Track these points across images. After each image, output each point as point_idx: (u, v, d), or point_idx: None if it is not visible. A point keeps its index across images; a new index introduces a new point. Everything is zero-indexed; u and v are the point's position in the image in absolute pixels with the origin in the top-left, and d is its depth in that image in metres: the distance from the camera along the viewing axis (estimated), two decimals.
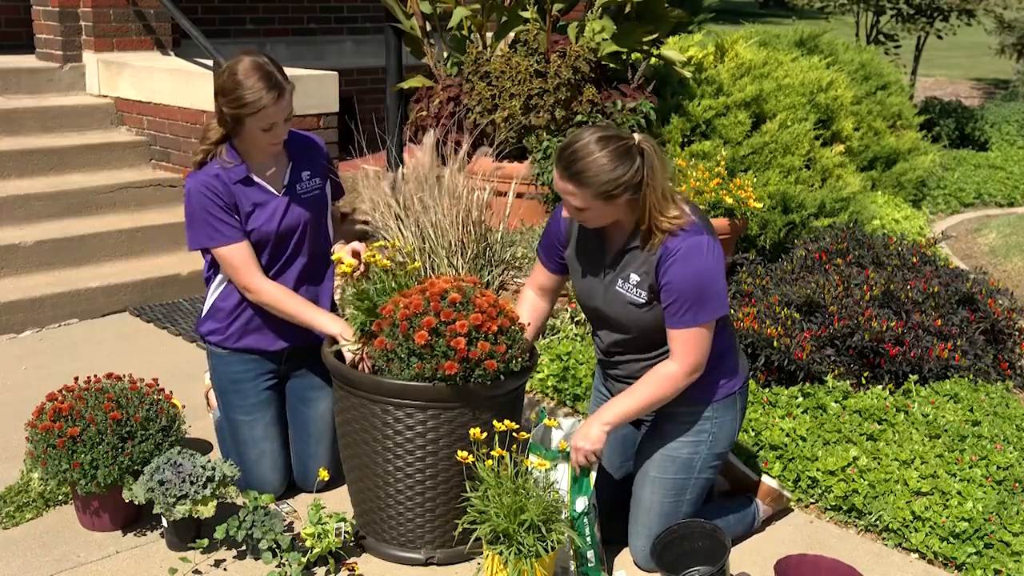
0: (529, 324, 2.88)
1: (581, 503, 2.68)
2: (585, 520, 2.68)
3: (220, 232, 2.90)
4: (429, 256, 4.16)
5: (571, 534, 2.59)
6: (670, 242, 2.58)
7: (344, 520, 2.78)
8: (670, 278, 2.57)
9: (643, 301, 2.65)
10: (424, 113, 5.48)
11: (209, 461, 2.84)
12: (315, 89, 5.18)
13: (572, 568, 2.72)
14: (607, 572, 2.82)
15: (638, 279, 2.64)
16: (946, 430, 3.38)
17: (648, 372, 2.68)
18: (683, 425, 2.77)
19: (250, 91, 2.76)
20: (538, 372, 3.98)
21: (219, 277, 3.05)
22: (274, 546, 2.76)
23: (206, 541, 2.80)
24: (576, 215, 2.61)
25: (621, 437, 2.95)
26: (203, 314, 3.11)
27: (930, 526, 2.99)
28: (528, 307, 2.97)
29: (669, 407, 2.75)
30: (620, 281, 2.68)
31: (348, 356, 2.79)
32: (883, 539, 3.07)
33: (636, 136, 2.55)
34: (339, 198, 3.27)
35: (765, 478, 3.11)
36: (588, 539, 2.69)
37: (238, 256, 2.92)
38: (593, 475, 2.67)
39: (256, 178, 2.97)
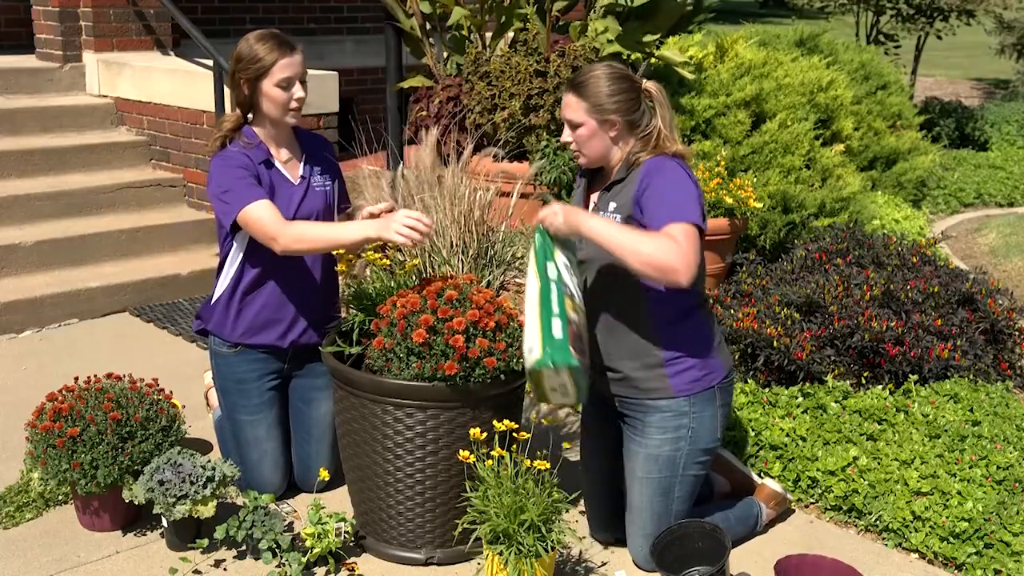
0: None
1: (551, 269, 2.57)
2: (552, 287, 2.53)
3: (251, 192, 2.86)
4: (429, 256, 4.15)
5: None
6: (647, 164, 2.65)
7: (344, 520, 2.78)
8: (647, 185, 2.61)
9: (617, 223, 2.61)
10: (424, 113, 5.48)
11: (209, 461, 2.84)
12: (315, 89, 5.13)
13: (537, 348, 2.47)
14: (576, 355, 2.52)
15: (616, 205, 2.70)
16: (946, 430, 3.38)
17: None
18: (662, 422, 2.74)
19: (264, 49, 2.88)
20: None
21: (230, 259, 3.02)
22: (274, 546, 2.76)
23: (206, 541, 2.81)
24: (571, 134, 2.72)
25: (615, 444, 2.95)
26: (211, 302, 3.08)
27: (930, 526, 2.99)
28: None
29: (649, 400, 2.74)
30: (601, 213, 2.72)
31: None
32: (883, 539, 3.07)
33: (648, 81, 2.75)
34: (343, 201, 3.26)
35: (768, 481, 3.11)
36: (556, 307, 2.51)
37: (265, 210, 2.84)
38: (557, 248, 2.60)
39: (275, 162, 2.99)
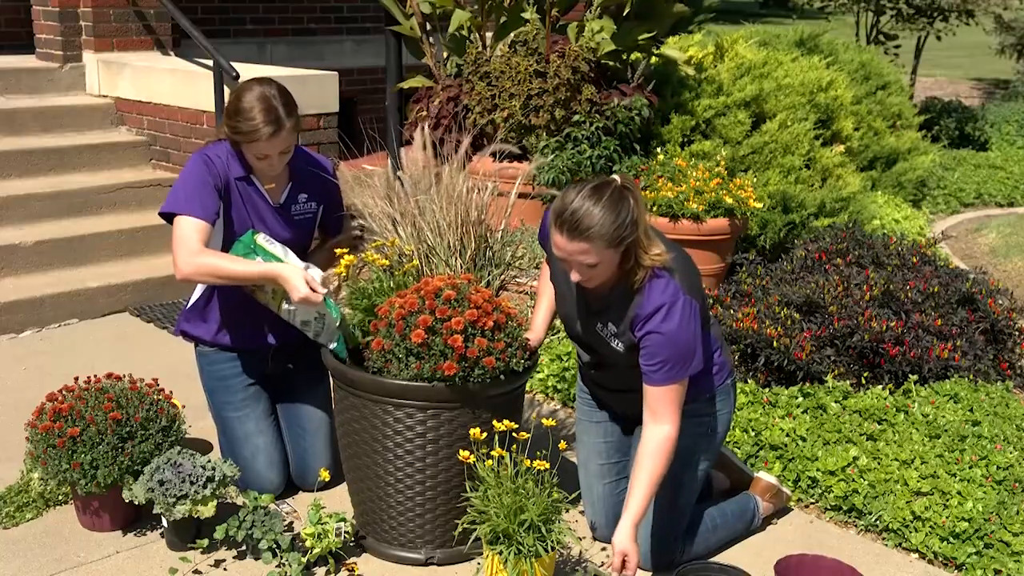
0: (544, 298, 2.98)
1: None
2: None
3: (196, 206, 2.83)
4: (427, 257, 4.15)
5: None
6: (646, 297, 2.54)
7: (344, 520, 2.78)
8: (646, 342, 2.56)
9: (622, 350, 2.66)
10: (424, 113, 5.48)
11: (209, 461, 2.84)
12: (315, 89, 5.18)
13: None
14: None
15: (616, 330, 2.64)
16: (946, 430, 3.38)
17: (644, 447, 2.59)
18: (684, 420, 2.75)
19: (248, 121, 2.79)
20: (538, 372, 3.98)
21: None
22: (274, 546, 2.76)
23: (206, 541, 2.81)
24: (586, 274, 2.52)
25: (616, 441, 2.95)
26: (189, 304, 3.14)
27: (930, 526, 2.99)
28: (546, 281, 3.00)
29: None
30: (599, 324, 2.68)
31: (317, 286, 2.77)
32: (883, 539, 3.08)
33: (616, 177, 2.51)
34: (336, 233, 3.21)
35: (763, 474, 3.11)
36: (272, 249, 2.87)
37: (187, 229, 2.80)
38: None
39: (255, 180, 2.98)
